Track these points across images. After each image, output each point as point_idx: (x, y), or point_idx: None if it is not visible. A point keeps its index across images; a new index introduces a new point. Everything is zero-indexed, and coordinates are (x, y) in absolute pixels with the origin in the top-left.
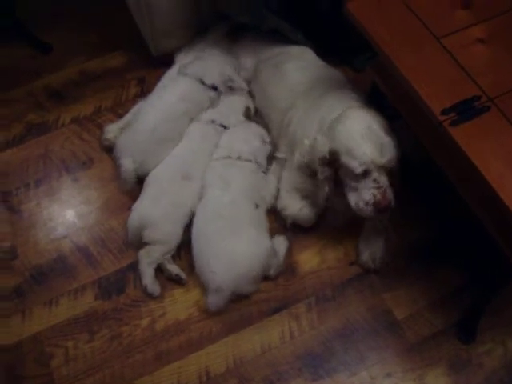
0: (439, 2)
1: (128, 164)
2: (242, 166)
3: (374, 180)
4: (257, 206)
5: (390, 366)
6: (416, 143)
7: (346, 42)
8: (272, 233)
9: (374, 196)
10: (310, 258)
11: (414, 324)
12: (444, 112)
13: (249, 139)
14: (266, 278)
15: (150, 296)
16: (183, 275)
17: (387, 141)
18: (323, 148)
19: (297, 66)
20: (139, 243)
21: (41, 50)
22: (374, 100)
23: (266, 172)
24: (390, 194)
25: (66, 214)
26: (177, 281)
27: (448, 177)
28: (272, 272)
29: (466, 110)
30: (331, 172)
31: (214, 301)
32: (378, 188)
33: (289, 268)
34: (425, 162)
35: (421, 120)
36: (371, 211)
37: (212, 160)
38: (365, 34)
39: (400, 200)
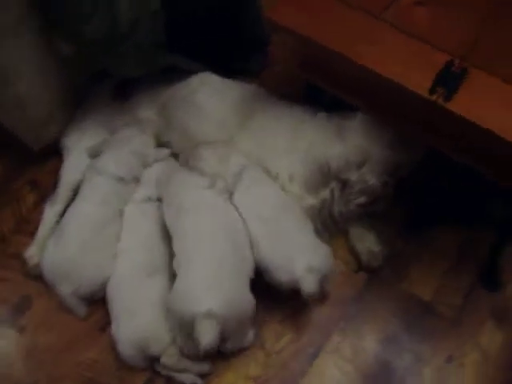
0: None
1: (66, 290)
2: None
3: None
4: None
5: (445, 349)
6: None
7: (235, 51)
8: None
9: None
10: None
11: (443, 297)
12: (431, 91)
13: None
14: None
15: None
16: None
17: None
18: None
19: (208, 93)
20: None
21: None
22: (311, 100)
23: None
24: None
25: None
26: None
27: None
28: None
29: (449, 80)
30: None
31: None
32: None
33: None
34: None
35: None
36: None
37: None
38: (300, 39)
39: None
